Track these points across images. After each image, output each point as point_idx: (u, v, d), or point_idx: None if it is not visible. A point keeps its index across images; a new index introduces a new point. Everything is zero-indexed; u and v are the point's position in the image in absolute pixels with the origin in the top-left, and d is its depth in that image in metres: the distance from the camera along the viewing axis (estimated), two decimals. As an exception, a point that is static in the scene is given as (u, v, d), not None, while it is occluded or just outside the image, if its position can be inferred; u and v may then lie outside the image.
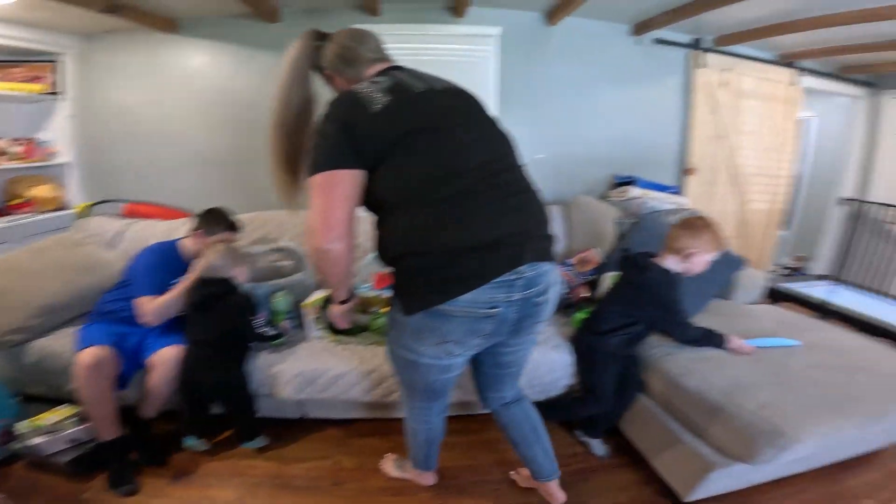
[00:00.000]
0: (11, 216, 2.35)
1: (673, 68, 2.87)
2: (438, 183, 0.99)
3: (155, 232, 2.33)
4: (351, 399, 1.77)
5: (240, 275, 1.76)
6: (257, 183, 2.51)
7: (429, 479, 1.60)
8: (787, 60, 3.10)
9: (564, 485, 1.51)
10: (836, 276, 3.90)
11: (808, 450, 1.25)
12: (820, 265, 4.00)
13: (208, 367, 1.66)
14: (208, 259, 1.73)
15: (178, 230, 2.24)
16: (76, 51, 2.46)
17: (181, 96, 2.53)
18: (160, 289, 1.72)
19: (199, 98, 2.53)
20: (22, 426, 1.62)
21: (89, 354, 1.54)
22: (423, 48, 2.36)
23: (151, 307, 1.68)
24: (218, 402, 1.76)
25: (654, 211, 2.41)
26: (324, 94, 1.15)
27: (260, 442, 1.79)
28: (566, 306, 2.08)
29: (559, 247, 2.39)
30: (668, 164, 3.00)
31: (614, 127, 2.83)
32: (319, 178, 1.00)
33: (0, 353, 1.86)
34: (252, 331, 1.74)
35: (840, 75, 3.26)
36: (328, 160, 1.00)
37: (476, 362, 1.32)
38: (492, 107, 2.53)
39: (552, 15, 2.53)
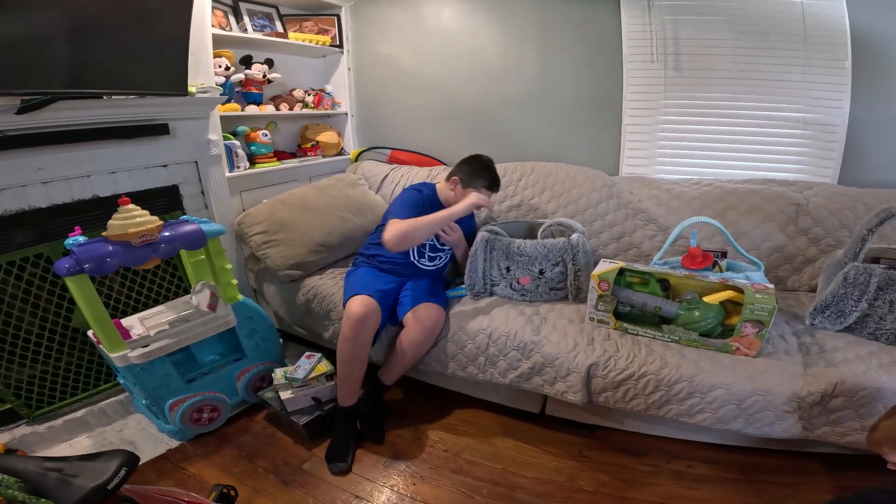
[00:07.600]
0: (302, 157, 2.58)
1: None
2: None
3: (413, 178, 2.45)
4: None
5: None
6: (508, 132, 2.48)
7: None
8: None
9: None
10: None
11: None
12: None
13: None
14: (469, 202, 1.62)
15: (435, 177, 2.34)
16: (350, 4, 2.62)
17: (440, 50, 2.53)
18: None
19: (455, 51, 2.50)
20: (277, 375, 1.66)
21: (359, 303, 1.49)
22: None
23: (396, 226, 1.55)
24: None
25: None
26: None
27: None
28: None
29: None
30: None
31: None
32: None
33: (277, 289, 2.02)
34: None
35: None
36: None
37: None
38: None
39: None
